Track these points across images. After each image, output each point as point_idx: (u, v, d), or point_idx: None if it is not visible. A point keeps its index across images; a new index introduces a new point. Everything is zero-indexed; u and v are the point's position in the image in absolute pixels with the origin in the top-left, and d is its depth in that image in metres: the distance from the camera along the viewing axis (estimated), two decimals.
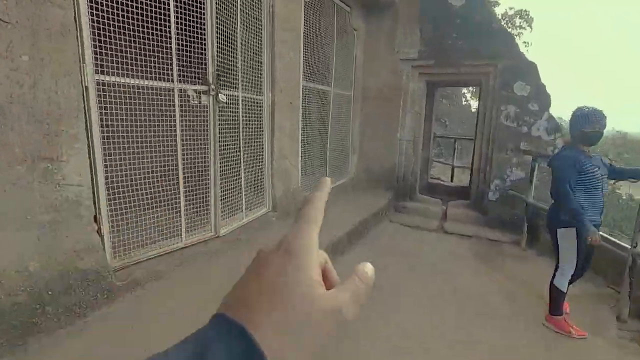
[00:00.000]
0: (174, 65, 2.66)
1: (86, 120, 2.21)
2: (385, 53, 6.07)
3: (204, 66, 2.91)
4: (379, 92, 6.21)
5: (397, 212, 6.16)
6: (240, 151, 3.53)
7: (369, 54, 6.23)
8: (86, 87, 2.19)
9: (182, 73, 2.78)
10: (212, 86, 2.94)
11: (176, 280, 2.64)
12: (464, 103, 20.90)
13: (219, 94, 2.98)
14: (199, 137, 3.02)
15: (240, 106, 3.46)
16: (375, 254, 4.38)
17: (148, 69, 2.59)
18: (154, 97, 2.60)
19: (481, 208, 5.66)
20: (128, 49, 2.48)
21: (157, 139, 2.84)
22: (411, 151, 6.31)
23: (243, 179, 3.63)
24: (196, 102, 2.87)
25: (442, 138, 11.97)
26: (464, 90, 21.13)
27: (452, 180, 8.38)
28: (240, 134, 3.51)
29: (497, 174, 5.43)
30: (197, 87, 2.86)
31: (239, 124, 3.48)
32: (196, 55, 2.87)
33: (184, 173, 2.87)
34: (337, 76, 5.61)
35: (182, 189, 2.86)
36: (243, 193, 3.64)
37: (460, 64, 5.58)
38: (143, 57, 2.58)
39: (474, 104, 22.99)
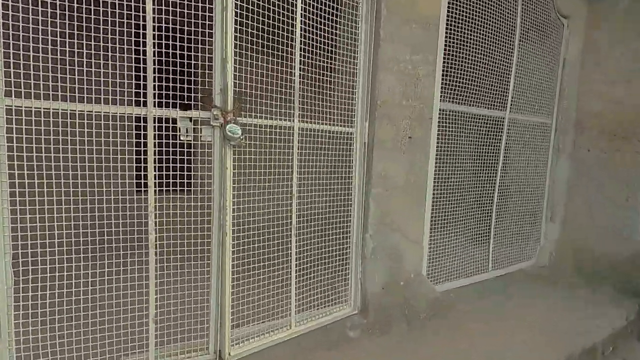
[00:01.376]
0: (150, 79, 1.61)
1: None
2: (629, 48, 3.34)
3: (207, 80, 1.76)
4: (612, 117, 3.47)
5: None
6: (291, 216, 2.15)
7: (594, 54, 3.62)
8: None
9: (164, 92, 1.72)
10: (216, 113, 1.72)
11: None
12: None
13: (230, 125, 1.73)
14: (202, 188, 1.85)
15: (295, 144, 2.10)
16: None
17: (103, 87, 1.64)
18: (114, 130, 1.62)
19: None
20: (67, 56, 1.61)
21: (112, 202, 1.84)
22: None
23: (294, 261, 2.20)
24: (189, 138, 1.73)
25: None
26: None
27: None
28: (294, 187, 2.13)
29: None
30: (192, 113, 1.73)
31: (290, 172, 2.12)
32: (194, 61, 1.75)
33: (158, 254, 1.73)
34: (521, 94, 3.39)
35: (153, 284, 1.72)
36: (293, 287, 2.20)
37: None
38: (92, 68, 1.66)
39: None
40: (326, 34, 2.16)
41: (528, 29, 3.26)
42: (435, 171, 2.84)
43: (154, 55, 1.63)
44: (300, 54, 2.04)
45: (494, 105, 3.18)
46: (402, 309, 2.62)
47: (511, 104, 3.29)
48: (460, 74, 2.87)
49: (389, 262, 2.62)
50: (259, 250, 2.04)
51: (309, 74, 2.14)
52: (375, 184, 2.45)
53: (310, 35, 2.08)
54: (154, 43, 1.62)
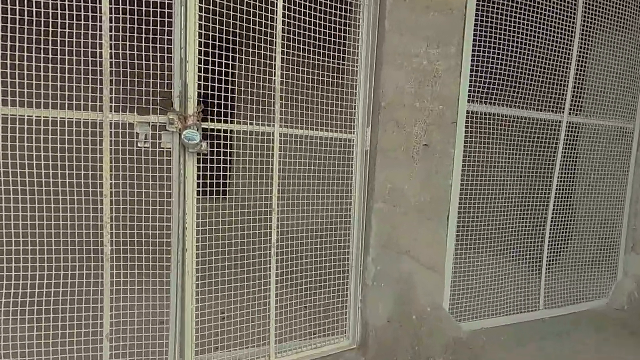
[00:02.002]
0: (106, 79, 1.53)
1: None
2: None
3: (167, 81, 1.61)
4: None
5: None
6: (271, 232, 1.91)
7: None
8: None
9: (123, 94, 1.61)
10: (171, 117, 1.57)
11: None
12: None
13: (186, 130, 1.57)
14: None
15: (276, 152, 1.87)
16: None
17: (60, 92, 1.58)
18: (61, 136, 1.56)
19: None
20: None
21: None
22: None
23: (274, 283, 1.95)
24: (147, 144, 1.60)
25: None
26: None
27: None
28: (274, 200, 1.89)
29: None
30: (149, 118, 1.60)
31: (270, 184, 1.89)
32: (152, 62, 1.62)
33: (114, 279, 1.63)
34: (586, 92, 2.74)
35: (107, 299, 1.62)
36: (273, 311, 1.95)
37: None
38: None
39: None
40: (317, 26, 1.91)
41: (595, 9, 2.61)
42: (462, 185, 2.38)
43: (111, 57, 1.54)
44: (283, 50, 1.82)
45: (546, 106, 2.59)
46: (412, 348, 2.21)
47: (571, 105, 2.66)
48: (497, 68, 2.38)
49: (397, 291, 2.23)
50: (231, 270, 1.83)
51: (296, 73, 1.90)
52: (378, 198, 2.11)
53: (297, 30, 1.85)
54: (111, 44, 1.53)
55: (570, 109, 2.66)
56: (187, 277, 1.69)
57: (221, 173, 1.81)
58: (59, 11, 1.50)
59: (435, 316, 2.33)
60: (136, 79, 1.57)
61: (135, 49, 1.57)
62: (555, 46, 2.53)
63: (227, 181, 2.11)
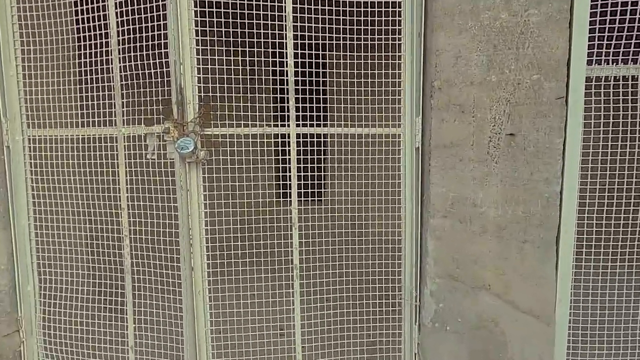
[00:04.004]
0: (118, 93, 1.53)
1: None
2: None
3: (166, 88, 1.50)
4: None
5: None
6: (292, 252, 1.61)
7: None
8: (7, 148, 1.69)
9: (137, 106, 1.57)
10: (167, 126, 1.45)
11: None
12: None
13: (181, 139, 1.42)
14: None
15: (293, 156, 1.56)
16: None
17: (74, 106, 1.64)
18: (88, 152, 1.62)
19: None
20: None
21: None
22: None
23: (299, 311, 1.63)
24: (154, 156, 1.54)
25: None
26: None
27: None
28: (294, 214, 1.58)
29: None
30: (154, 128, 1.51)
31: (288, 195, 1.59)
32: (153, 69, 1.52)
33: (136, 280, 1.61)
34: None
35: (130, 312, 1.62)
36: (299, 341, 1.64)
37: None
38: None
39: None
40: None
41: None
42: (584, 192, 1.57)
43: (121, 71, 1.54)
44: (296, 34, 1.51)
45: None
46: None
47: None
48: None
49: (473, 339, 1.61)
50: (242, 292, 1.63)
51: (314, 60, 1.57)
52: (435, 211, 1.55)
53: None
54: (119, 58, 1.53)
55: None
56: (197, 296, 1.56)
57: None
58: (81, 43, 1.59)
59: None
60: (141, 90, 1.53)
61: (138, 59, 1.53)
62: None
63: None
